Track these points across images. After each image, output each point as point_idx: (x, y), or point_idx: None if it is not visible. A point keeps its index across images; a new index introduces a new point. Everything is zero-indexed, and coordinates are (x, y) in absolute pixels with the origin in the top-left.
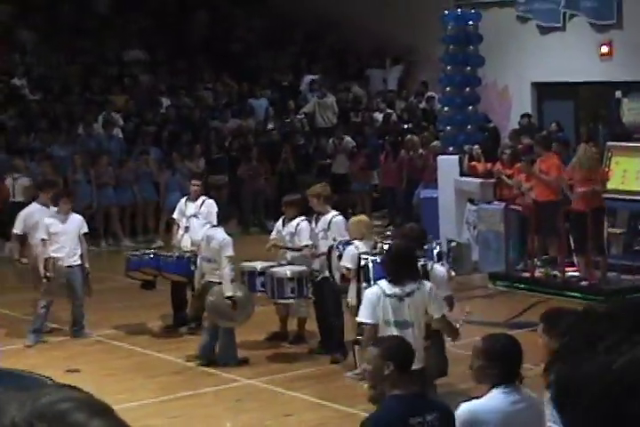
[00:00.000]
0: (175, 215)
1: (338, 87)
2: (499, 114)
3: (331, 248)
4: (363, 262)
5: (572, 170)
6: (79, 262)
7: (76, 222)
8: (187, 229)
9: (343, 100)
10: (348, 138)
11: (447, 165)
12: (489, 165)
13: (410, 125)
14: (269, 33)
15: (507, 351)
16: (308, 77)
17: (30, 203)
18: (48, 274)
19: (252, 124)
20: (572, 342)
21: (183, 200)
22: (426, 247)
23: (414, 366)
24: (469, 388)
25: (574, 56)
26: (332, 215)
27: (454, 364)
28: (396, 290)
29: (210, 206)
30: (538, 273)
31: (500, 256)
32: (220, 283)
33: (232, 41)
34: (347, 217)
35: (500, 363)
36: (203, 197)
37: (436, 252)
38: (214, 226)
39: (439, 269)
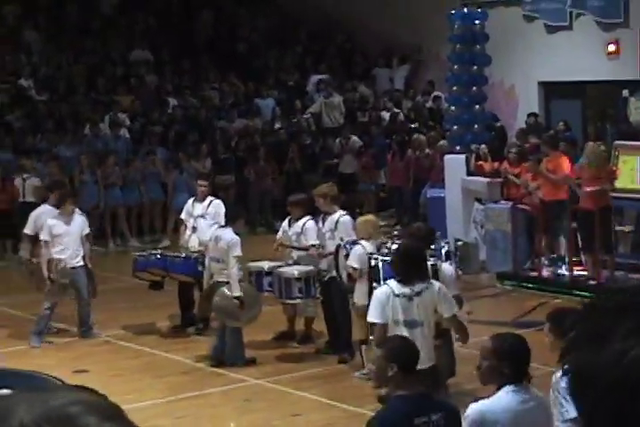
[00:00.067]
0: (183, 216)
1: (345, 87)
2: (505, 113)
3: (338, 247)
4: (373, 263)
5: (580, 169)
6: (82, 263)
7: (79, 223)
8: (194, 229)
9: (350, 100)
10: (354, 138)
11: (454, 164)
12: (496, 164)
13: (417, 125)
14: (275, 32)
15: (515, 350)
16: (315, 77)
17: (41, 203)
18: (52, 276)
19: (258, 123)
20: (582, 333)
21: (191, 201)
22: (434, 247)
23: (425, 365)
24: (476, 388)
25: (581, 55)
26: (340, 215)
27: (461, 363)
28: (405, 290)
29: (217, 207)
30: (545, 272)
31: (507, 256)
32: (228, 283)
33: (237, 41)
34: (354, 217)
35: (510, 362)
36: (210, 198)
37: (444, 251)
38: (222, 226)
39: (447, 268)
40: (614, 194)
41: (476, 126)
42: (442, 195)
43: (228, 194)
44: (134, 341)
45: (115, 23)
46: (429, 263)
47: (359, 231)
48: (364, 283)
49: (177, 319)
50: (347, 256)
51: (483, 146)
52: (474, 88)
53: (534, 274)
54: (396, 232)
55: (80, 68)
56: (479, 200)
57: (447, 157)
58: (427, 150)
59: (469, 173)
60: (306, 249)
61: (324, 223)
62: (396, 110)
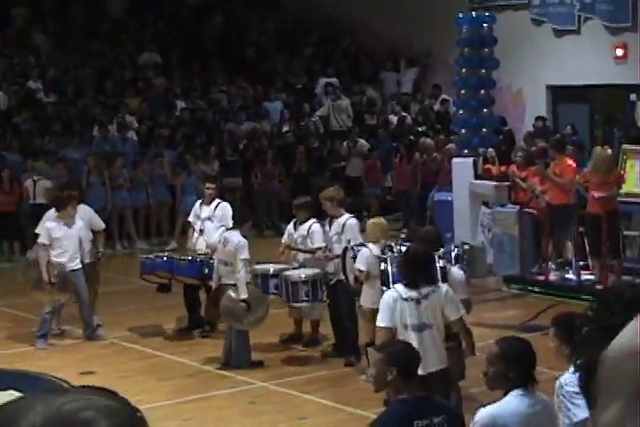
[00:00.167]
0: (190, 218)
1: (352, 90)
2: (513, 117)
3: (345, 249)
4: (382, 267)
5: (588, 173)
6: (80, 266)
7: (79, 227)
8: (201, 231)
9: (357, 103)
10: (362, 141)
11: (462, 167)
12: (503, 167)
13: (424, 128)
14: (283, 36)
15: (522, 354)
16: (324, 80)
17: (52, 205)
18: (52, 279)
19: (266, 126)
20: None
21: (198, 203)
22: (444, 250)
23: (435, 368)
24: (482, 392)
25: (589, 59)
26: (346, 218)
27: (468, 367)
28: (413, 293)
29: (224, 209)
30: (552, 276)
31: (514, 259)
32: (235, 285)
33: (246, 44)
34: (361, 220)
35: (517, 366)
36: (217, 200)
37: (453, 254)
38: (229, 229)
39: (457, 271)
40: (622, 198)
41: (483, 130)
42: (449, 198)
43: (235, 196)
44: (141, 343)
45: (124, 26)
46: (439, 266)
47: (368, 234)
48: (370, 286)
49: (184, 322)
50: (354, 259)
51: (490, 149)
52: (482, 92)
53: (541, 278)
54: (402, 235)
55: (88, 71)
56: (486, 204)
57: (455, 160)
58: (434, 154)
59: (477, 177)
60: (312, 252)
61: (330, 226)
62: (404, 114)
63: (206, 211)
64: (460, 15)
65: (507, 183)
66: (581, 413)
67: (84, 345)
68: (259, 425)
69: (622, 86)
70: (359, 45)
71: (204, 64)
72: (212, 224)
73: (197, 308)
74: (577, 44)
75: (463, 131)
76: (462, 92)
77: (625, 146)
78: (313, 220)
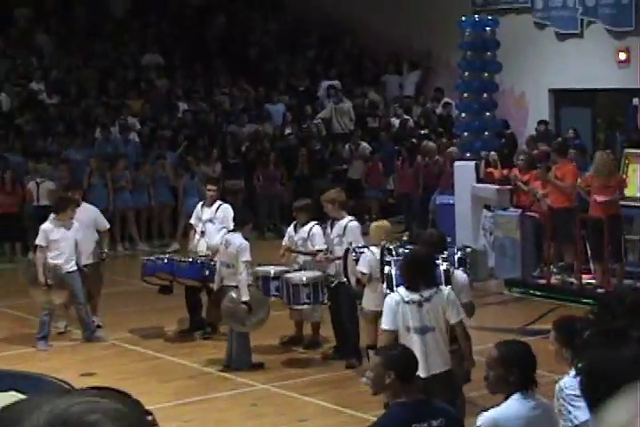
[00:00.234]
0: (192, 220)
1: (354, 93)
2: (515, 120)
3: (347, 251)
4: (387, 270)
5: (589, 177)
6: (76, 268)
7: (76, 229)
8: (202, 233)
9: (359, 106)
10: (364, 144)
11: (464, 171)
12: (505, 171)
13: (426, 131)
14: (286, 37)
15: (521, 357)
16: (326, 83)
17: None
18: (49, 281)
19: (268, 129)
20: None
21: (199, 205)
22: (447, 253)
23: (440, 370)
24: (481, 395)
25: (592, 63)
26: (348, 221)
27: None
28: (414, 296)
29: (225, 211)
30: (554, 280)
31: (515, 263)
32: (237, 287)
33: (249, 45)
34: (362, 222)
35: (517, 369)
36: (218, 202)
37: (457, 257)
38: (230, 231)
39: (460, 274)
40: (624, 202)
41: (486, 133)
42: (451, 201)
43: (237, 199)
44: (142, 344)
45: (127, 27)
46: (442, 268)
47: (371, 237)
48: (372, 288)
49: (185, 323)
50: (356, 261)
51: (492, 153)
52: (484, 95)
53: (542, 281)
54: (405, 238)
55: (91, 72)
56: (488, 207)
57: (457, 163)
58: (436, 157)
59: (479, 180)
60: (313, 254)
61: (332, 229)
62: (406, 117)
63: (207, 213)
64: (463, 18)
65: (508, 187)
66: (582, 415)
67: (85, 347)
68: None
69: (625, 90)
70: (361, 47)
71: (206, 65)
72: (214, 226)
73: (199, 310)
74: (580, 48)
75: (465, 134)
76: (465, 95)
77: (627, 150)
78: (313, 222)
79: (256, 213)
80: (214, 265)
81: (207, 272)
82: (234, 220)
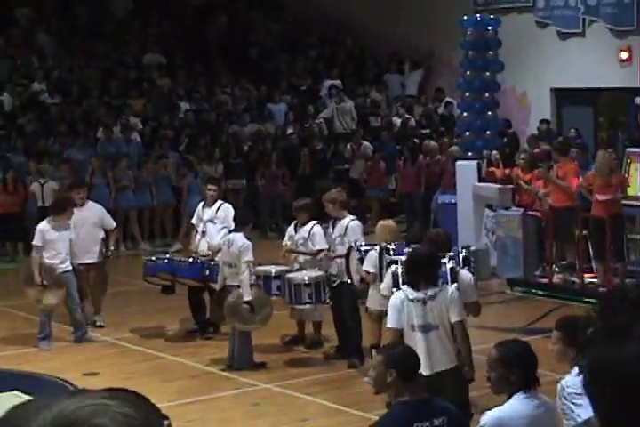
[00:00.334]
0: (194, 220)
1: (356, 92)
2: (517, 119)
3: (349, 250)
4: (393, 269)
5: (591, 177)
6: (71, 268)
7: (71, 230)
8: (203, 233)
9: (361, 106)
10: (366, 143)
11: (466, 170)
12: (507, 170)
13: (428, 131)
14: (287, 37)
15: (521, 357)
16: (328, 82)
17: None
18: (44, 282)
19: (270, 128)
20: (600, 329)
21: (200, 205)
22: (452, 252)
23: (444, 367)
24: (481, 395)
25: (594, 62)
26: (349, 220)
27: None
28: (419, 294)
29: (226, 211)
30: (556, 279)
31: (517, 262)
32: (239, 287)
33: (250, 45)
34: (364, 222)
35: (519, 369)
36: (219, 202)
37: (461, 256)
38: (233, 230)
39: (466, 274)
40: (626, 202)
41: (487, 133)
42: (453, 201)
43: (239, 198)
44: (144, 344)
45: (128, 27)
46: (449, 267)
47: (377, 236)
48: (377, 288)
49: (187, 323)
50: (361, 260)
51: (494, 152)
52: (486, 94)
53: (544, 280)
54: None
55: (93, 72)
56: (490, 206)
57: (459, 163)
58: (438, 156)
59: (481, 180)
60: (314, 254)
61: (333, 229)
62: (408, 116)
63: (208, 213)
64: (465, 18)
65: (510, 186)
66: (585, 413)
67: (87, 346)
68: None
69: (627, 89)
70: (362, 47)
71: (207, 64)
72: (215, 226)
73: (202, 310)
74: (581, 47)
75: (467, 133)
76: (467, 94)
77: (629, 149)
78: (314, 222)
79: (258, 212)
80: (215, 265)
81: (207, 272)
82: (234, 220)
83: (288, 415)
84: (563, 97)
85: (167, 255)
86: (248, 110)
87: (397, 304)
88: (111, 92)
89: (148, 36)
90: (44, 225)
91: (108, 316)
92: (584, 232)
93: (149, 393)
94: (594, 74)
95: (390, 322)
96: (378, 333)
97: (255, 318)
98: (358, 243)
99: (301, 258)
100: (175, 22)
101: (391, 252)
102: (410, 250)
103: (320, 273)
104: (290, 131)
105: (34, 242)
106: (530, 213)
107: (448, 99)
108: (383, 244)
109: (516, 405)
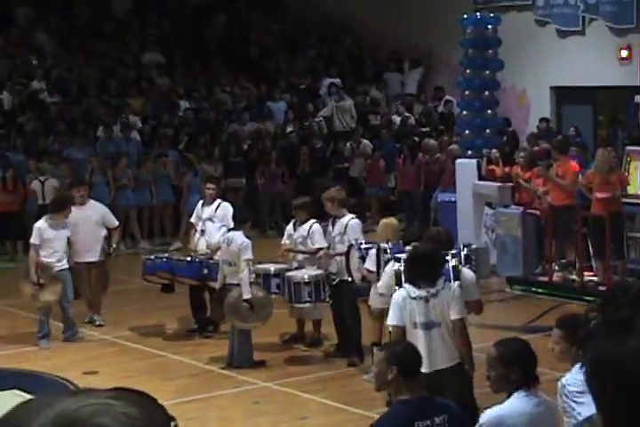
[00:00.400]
0: (193, 219)
1: (356, 90)
2: (517, 118)
3: (349, 248)
4: (396, 267)
5: (591, 174)
6: (67, 266)
7: (68, 228)
8: (202, 232)
9: (360, 104)
10: (365, 141)
11: (465, 168)
12: (507, 169)
13: (428, 129)
14: (286, 36)
15: (521, 355)
16: (327, 80)
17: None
18: (41, 281)
19: (270, 127)
20: (602, 323)
21: (199, 204)
22: (455, 251)
23: (447, 364)
24: (480, 393)
25: (593, 60)
26: (349, 218)
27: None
28: (421, 292)
29: (225, 209)
30: (555, 277)
31: (517, 260)
32: (239, 285)
33: (249, 44)
34: (364, 220)
35: (518, 367)
36: (218, 201)
37: (463, 254)
38: (232, 229)
39: (468, 272)
40: (625, 200)
41: (487, 131)
42: (452, 199)
43: (238, 197)
44: (144, 342)
45: (127, 26)
46: (451, 265)
47: (378, 234)
48: None
49: (186, 322)
50: (362, 258)
51: (494, 151)
52: (486, 93)
53: (544, 279)
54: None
55: (92, 71)
56: (490, 205)
57: (458, 161)
58: (437, 155)
59: (480, 178)
60: (313, 253)
61: (333, 227)
62: (407, 114)
63: (207, 211)
64: (465, 16)
65: (510, 184)
66: (586, 411)
67: (87, 345)
68: (261, 425)
69: (627, 88)
70: (362, 46)
71: (207, 63)
72: (214, 224)
73: (203, 309)
74: (581, 46)
75: (467, 132)
76: (466, 93)
77: (628, 147)
78: (313, 220)
79: (258, 211)
80: (213, 264)
81: (206, 271)
82: (233, 218)
83: (288, 414)
84: (562, 95)
85: (166, 254)
86: (248, 109)
87: (399, 302)
88: (110, 91)
89: (148, 35)
90: (41, 223)
91: (107, 314)
92: (584, 230)
93: (150, 392)
94: (593, 72)
95: (392, 319)
96: (379, 331)
97: (255, 317)
98: (359, 241)
99: (300, 256)
100: (174, 21)
101: (388, 250)
102: (411, 248)
103: (320, 271)
104: (289, 129)
105: (31, 240)
106: (529, 211)
107: (448, 97)
108: (381, 243)
109: (516, 403)
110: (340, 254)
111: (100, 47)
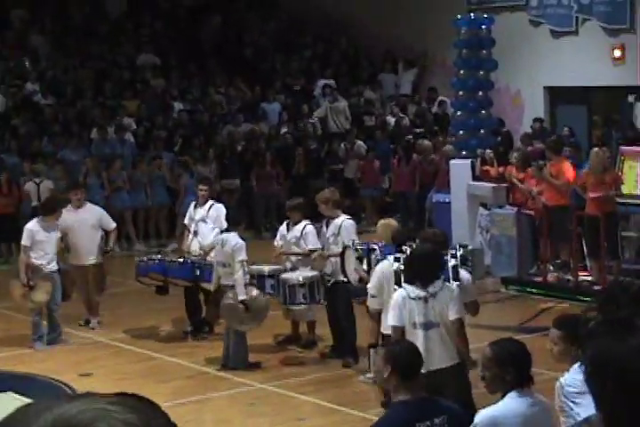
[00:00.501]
0: (186, 221)
1: (350, 92)
2: (511, 118)
3: (345, 249)
4: (395, 267)
5: (585, 175)
6: (57, 268)
7: (58, 230)
8: (195, 233)
9: (355, 105)
10: (360, 142)
11: (460, 169)
12: (501, 169)
13: (422, 130)
14: (281, 37)
15: (515, 356)
16: (322, 82)
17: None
18: (31, 283)
19: (264, 128)
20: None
21: (192, 205)
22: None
23: (446, 364)
24: (475, 393)
25: (587, 60)
26: (343, 219)
27: None
28: (420, 292)
29: (218, 210)
30: (550, 277)
31: (512, 261)
32: (233, 286)
33: (244, 45)
34: (358, 221)
35: (512, 368)
36: (211, 202)
37: (459, 255)
38: (224, 230)
39: (464, 273)
40: (620, 200)
41: (481, 131)
42: (447, 200)
43: (233, 198)
44: (138, 345)
45: (122, 27)
46: (451, 265)
47: (378, 235)
48: None
49: (181, 324)
50: (359, 259)
51: (488, 151)
52: (480, 93)
53: (539, 279)
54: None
55: (87, 73)
56: (484, 205)
57: (453, 162)
58: (432, 155)
59: (475, 178)
60: (307, 255)
61: (327, 228)
62: (402, 115)
63: (200, 212)
64: (459, 17)
65: (505, 185)
66: (584, 412)
67: (82, 347)
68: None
69: (620, 88)
70: (357, 47)
71: (201, 65)
72: (206, 226)
73: (198, 310)
74: (575, 46)
75: (461, 132)
76: (460, 93)
77: (623, 147)
78: (306, 221)
79: (252, 212)
80: (206, 265)
81: (198, 272)
82: (226, 219)
83: (284, 415)
84: (556, 95)
85: (159, 255)
86: (242, 110)
87: (399, 302)
88: (105, 92)
89: (142, 36)
90: (33, 225)
91: (102, 316)
92: (578, 230)
93: (145, 394)
94: (587, 72)
95: (392, 319)
96: (376, 332)
97: (251, 319)
98: (356, 242)
99: (294, 257)
100: (169, 23)
101: (378, 251)
102: (411, 248)
103: (314, 273)
104: (284, 130)
105: (23, 242)
106: (524, 211)
107: (442, 98)
108: (372, 244)
109: (511, 403)
110: (335, 255)
111: (94, 49)
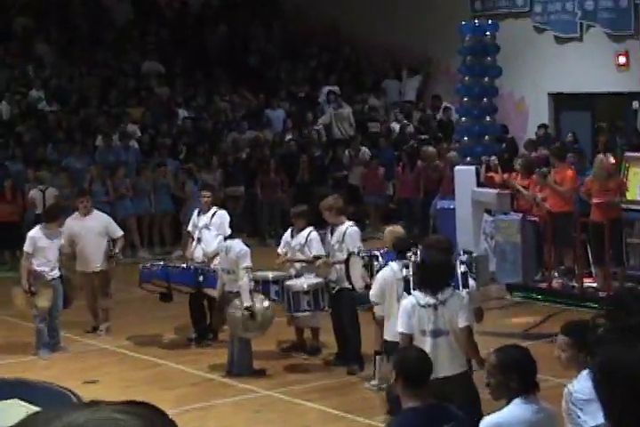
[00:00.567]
0: (189, 228)
1: (354, 99)
2: (515, 124)
3: (349, 256)
4: (404, 273)
5: (589, 181)
6: (59, 274)
7: (60, 237)
8: (199, 240)
9: (359, 112)
10: (364, 149)
11: (464, 175)
12: (506, 175)
13: (426, 136)
14: (286, 45)
15: (520, 362)
16: (326, 88)
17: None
18: (32, 289)
19: (269, 135)
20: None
21: (195, 212)
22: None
23: (453, 372)
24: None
25: (591, 67)
26: (347, 226)
27: None
28: (430, 299)
29: (222, 217)
30: (555, 284)
31: (516, 267)
32: (238, 293)
33: (249, 53)
34: (363, 228)
35: (517, 375)
36: (214, 208)
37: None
38: (228, 237)
39: (469, 280)
40: (625, 206)
41: (486, 138)
42: (452, 206)
43: (238, 205)
44: (143, 352)
45: (127, 35)
46: (460, 271)
47: (385, 242)
48: None
49: (186, 331)
50: (365, 266)
51: (493, 157)
52: (484, 100)
53: (543, 285)
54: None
55: (92, 80)
56: (489, 212)
57: (457, 168)
58: (436, 162)
59: (479, 185)
60: (311, 262)
61: (332, 235)
62: (406, 122)
63: (204, 219)
64: (463, 23)
65: (509, 191)
66: (592, 420)
67: (87, 354)
68: None
69: (625, 94)
70: (361, 54)
71: (206, 72)
72: (210, 233)
73: (203, 317)
74: (579, 52)
75: (466, 139)
76: (465, 100)
77: (627, 154)
78: (310, 228)
79: (257, 219)
80: (209, 271)
81: (201, 278)
82: (230, 226)
83: (289, 422)
84: (560, 102)
85: (162, 262)
86: (246, 118)
87: (408, 309)
88: (110, 100)
89: (148, 44)
90: (35, 232)
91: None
92: (583, 237)
93: (150, 401)
94: (591, 78)
95: (401, 327)
96: (382, 339)
97: (256, 326)
98: (362, 249)
99: (298, 264)
100: (174, 30)
101: (380, 258)
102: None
103: (319, 280)
104: (288, 137)
105: (25, 249)
106: (528, 218)
107: (446, 104)
108: (374, 251)
109: (515, 410)
110: (340, 262)
111: (99, 57)
